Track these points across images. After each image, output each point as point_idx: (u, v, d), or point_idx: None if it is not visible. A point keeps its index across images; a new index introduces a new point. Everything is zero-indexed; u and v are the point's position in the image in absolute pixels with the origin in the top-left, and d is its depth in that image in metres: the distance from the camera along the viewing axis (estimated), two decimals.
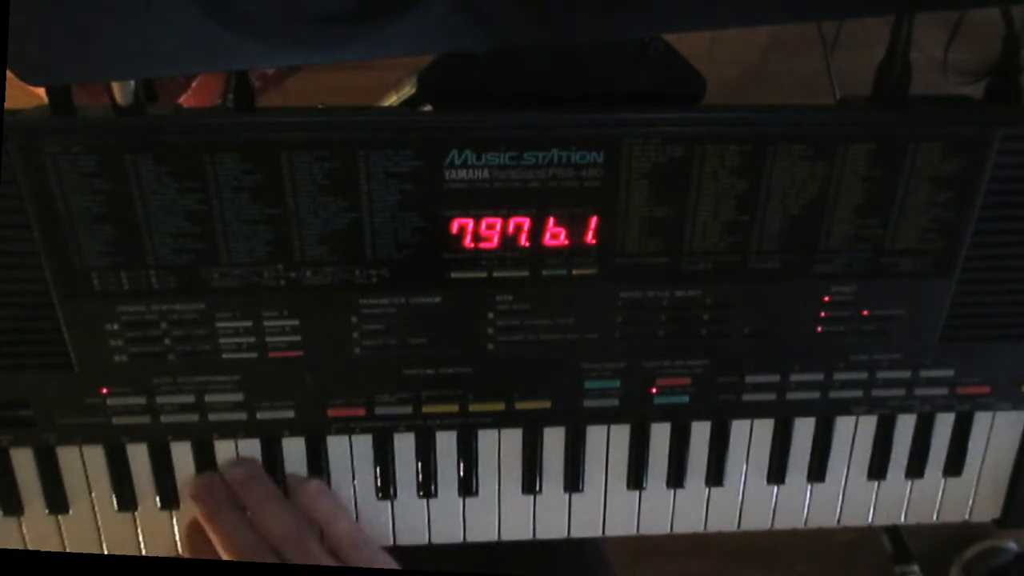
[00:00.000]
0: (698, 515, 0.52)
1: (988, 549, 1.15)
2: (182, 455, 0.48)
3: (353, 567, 0.46)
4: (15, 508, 0.48)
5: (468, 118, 0.40)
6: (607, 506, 0.51)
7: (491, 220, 0.42)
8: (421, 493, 0.50)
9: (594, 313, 0.45)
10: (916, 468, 0.52)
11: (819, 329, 0.47)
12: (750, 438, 0.51)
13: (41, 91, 0.43)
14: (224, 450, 0.48)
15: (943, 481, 0.53)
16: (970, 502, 0.54)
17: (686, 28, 0.37)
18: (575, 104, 0.42)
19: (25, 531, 0.49)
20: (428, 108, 0.43)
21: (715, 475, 0.51)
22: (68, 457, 0.47)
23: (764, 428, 0.50)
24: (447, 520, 0.51)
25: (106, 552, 0.49)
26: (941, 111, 0.43)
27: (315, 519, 0.47)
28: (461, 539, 0.51)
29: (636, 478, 0.50)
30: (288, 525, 0.45)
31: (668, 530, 0.53)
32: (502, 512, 0.51)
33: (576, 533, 0.52)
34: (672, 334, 0.46)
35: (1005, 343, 0.48)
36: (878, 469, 0.52)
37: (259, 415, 0.46)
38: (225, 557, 0.45)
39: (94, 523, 0.49)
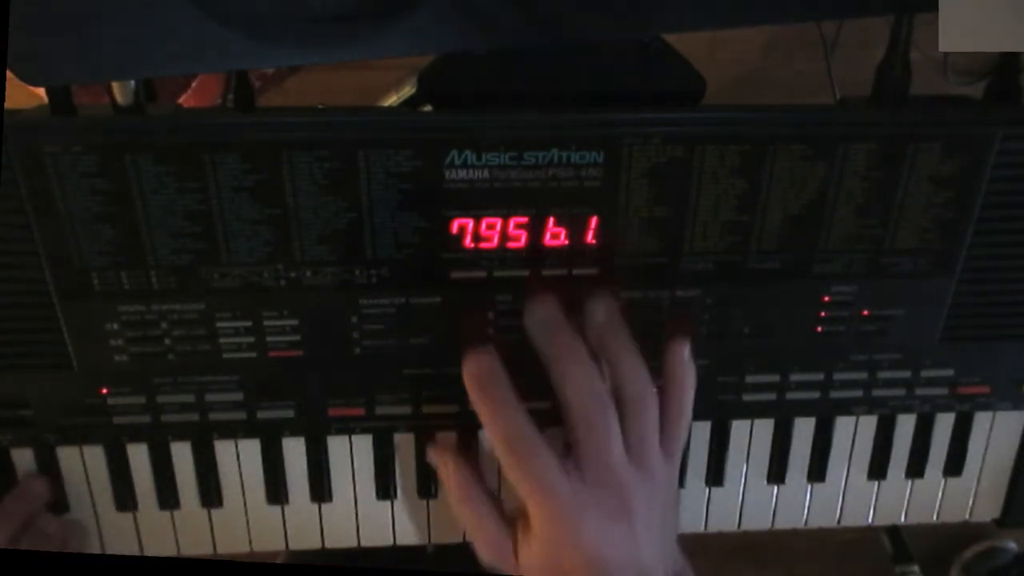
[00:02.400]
0: (698, 515, 0.52)
1: (988, 549, 1.15)
2: (182, 455, 0.48)
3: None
4: None
5: (468, 118, 0.40)
6: None
7: (491, 220, 0.42)
8: (421, 493, 0.50)
9: None
10: (916, 468, 0.52)
11: (819, 329, 0.47)
12: (750, 438, 0.51)
13: (41, 91, 0.43)
14: (224, 450, 0.48)
15: (943, 481, 0.53)
16: (970, 502, 0.54)
17: (686, 28, 0.37)
18: (575, 104, 0.42)
19: None
20: (428, 108, 0.43)
21: (715, 475, 0.51)
22: (68, 457, 0.47)
23: (764, 428, 0.50)
24: (447, 520, 0.51)
25: (105, 552, 0.49)
26: (941, 111, 0.43)
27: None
28: (461, 539, 0.51)
29: None
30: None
31: None
32: None
33: None
34: None
35: (1005, 343, 0.48)
36: (878, 469, 0.52)
37: (259, 415, 0.46)
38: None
39: (94, 523, 0.49)
